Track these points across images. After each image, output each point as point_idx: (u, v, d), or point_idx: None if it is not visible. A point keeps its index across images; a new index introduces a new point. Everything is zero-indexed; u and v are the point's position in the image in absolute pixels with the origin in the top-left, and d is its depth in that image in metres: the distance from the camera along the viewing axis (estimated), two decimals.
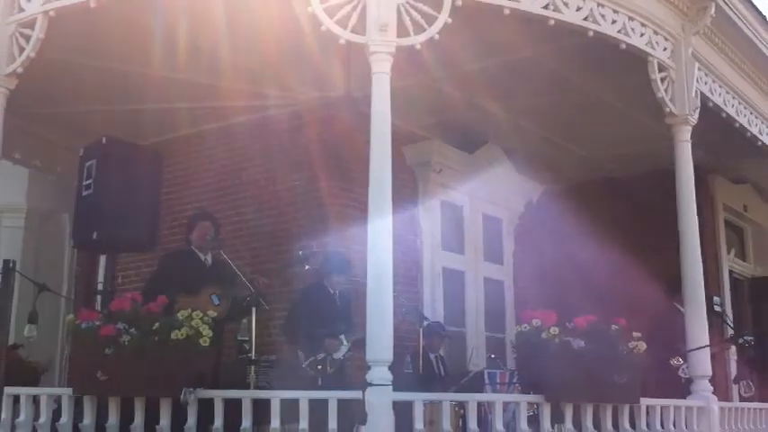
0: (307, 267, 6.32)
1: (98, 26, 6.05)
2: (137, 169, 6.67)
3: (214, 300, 5.89)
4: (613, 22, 6.03)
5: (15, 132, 6.83)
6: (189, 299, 5.67)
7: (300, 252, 6.48)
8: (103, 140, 6.64)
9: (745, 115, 7.73)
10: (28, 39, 5.81)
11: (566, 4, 5.72)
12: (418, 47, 5.20)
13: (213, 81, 7.18)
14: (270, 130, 8.05)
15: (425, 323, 6.80)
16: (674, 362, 6.28)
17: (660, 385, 6.60)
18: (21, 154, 8.59)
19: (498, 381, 6.94)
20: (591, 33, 5.90)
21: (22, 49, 5.85)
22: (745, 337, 7.10)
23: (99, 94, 7.48)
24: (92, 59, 6.74)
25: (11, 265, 4.38)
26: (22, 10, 5.89)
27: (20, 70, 5.87)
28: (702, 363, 6.32)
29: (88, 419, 5.21)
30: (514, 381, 6.58)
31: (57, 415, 5.45)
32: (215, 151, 8.45)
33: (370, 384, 4.64)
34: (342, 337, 6.16)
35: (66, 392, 5.42)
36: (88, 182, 6.51)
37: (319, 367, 5.97)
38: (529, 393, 5.47)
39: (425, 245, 8.58)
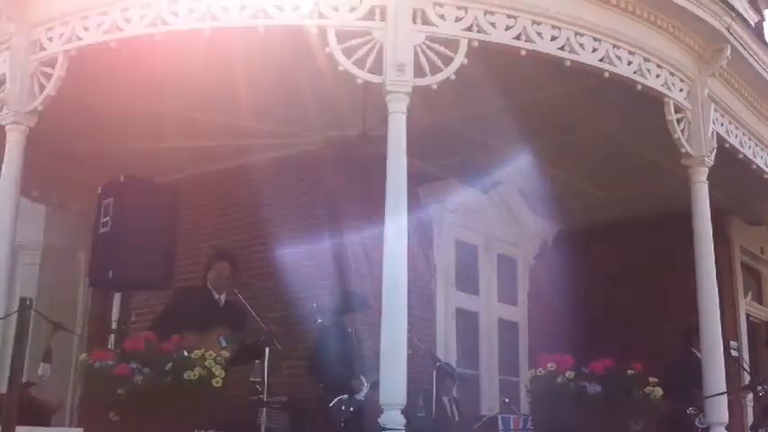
0: (319, 321, 6.31)
1: (118, 66, 6.11)
2: (154, 207, 6.67)
3: (221, 341, 5.86)
4: (629, 63, 6.04)
5: (34, 170, 6.87)
6: (196, 338, 5.62)
7: (315, 304, 6.46)
8: (121, 178, 6.66)
9: (761, 156, 7.70)
10: (49, 77, 5.88)
11: (581, 46, 5.74)
12: (434, 87, 5.23)
13: (231, 120, 7.24)
14: (285, 169, 8.09)
15: (437, 365, 6.74)
16: (690, 410, 6.17)
17: None
18: (39, 191, 8.64)
19: (512, 426, 6.85)
20: (606, 74, 5.91)
21: (42, 87, 5.92)
22: (764, 386, 6.98)
23: (117, 132, 7.54)
24: (112, 98, 6.81)
25: (27, 302, 4.37)
26: (43, 49, 5.97)
27: (40, 108, 5.93)
28: (719, 409, 6.20)
29: None
30: (529, 426, 6.49)
31: None
32: (231, 189, 8.48)
33: (383, 429, 4.59)
34: (362, 377, 6.13)
35: None
36: (105, 219, 6.52)
37: (343, 408, 5.94)
38: None
39: (439, 284, 8.54)
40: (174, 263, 7.06)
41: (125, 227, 6.47)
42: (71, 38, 5.81)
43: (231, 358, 5.97)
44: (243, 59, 6.08)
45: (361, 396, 6.08)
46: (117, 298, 8.80)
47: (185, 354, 4.94)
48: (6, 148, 5.99)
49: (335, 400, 5.91)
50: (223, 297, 6.53)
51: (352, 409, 5.94)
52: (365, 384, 6.11)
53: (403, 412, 4.70)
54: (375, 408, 4.86)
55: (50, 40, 5.94)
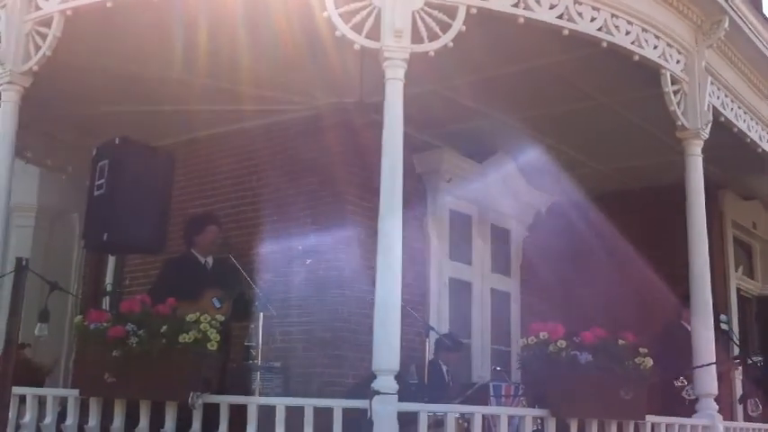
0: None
1: (114, 27, 6.07)
2: (149, 170, 6.63)
3: (215, 303, 5.88)
4: (627, 33, 6.02)
5: (28, 131, 6.84)
6: (191, 305, 5.62)
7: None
8: (117, 141, 6.61)
9: (756, 131, 7.71)
10: (44, 37, 5.84)
11: (580, 15, 5.72)
12: (432, 54, 5.20)
13: (228, 84, 7.20)
14: (281, 135, 8.08)
15: (442, 335, 6.79)
16: (677, 383, 6.23)
17: (666, 404, 6.56)
18: (32, 153, 8.59)
19: (503, 393, 6.92)
20: (605, 44, 5.90)
21: (38, 48, 5.87)
22: (754, 358, 7.05)
23: (113, 94, 7.51)
24: (107, 60, 6.76)
25: (24, 263, 4.37)
26: (39, 8, 5.92)
27: (35, 68, 5.90)
28: (709, 381, 6.27)
29: (94, 421, 5.21)
30: (519, 394, 6.55)
31: (61, 416, 5.45)
32: (228, 154, 8.46)
33: (377, 393, 4.63)
34: None
35: (72, 394, 5.43)
36: (100, 182, 6.48)
37: None
38: (534, 407, 5.43)
39: (433, 254, 8.56)
40: (168, 227, 7.06)
41: (120, 189, 6.44)
42: None
43: (231, 315, 6.01)
44: (240, 23, 6.04)
45: None
46: (111, 261, 8.82)
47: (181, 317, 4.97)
48: (0, 109, 5.96)
49: None
50: (210, 260, 6.52)
51: None
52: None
53: (396, 378, 4.74)
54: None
55: None
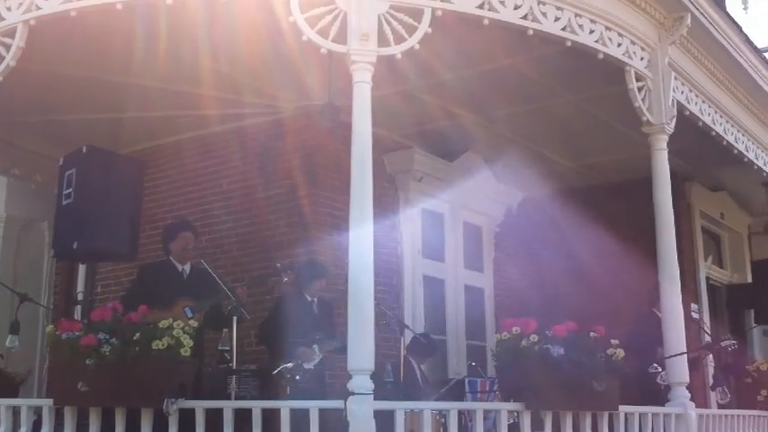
0: (285, 280, 6.32)
1: (78, 35, 6.03)
2: (117, 178, 6.62)
3: (187, 312, 5.87)
4: (591, 32, 6.08)
5: None
6: (162, 312, 5.60)
7: (278, 264, 6.47)
8: (84, 149, 6.59)
9: (721, 124, 7.82)
10: (8, 48, 5.76)
11: (544, 15, 5.76)
12: (399, 56, 5.22)
13: (194, 89, 7.18)
14: (250, 139, 8.08)
15: (416, 336, 6.81)
16: (651, 369, 6.32)
17: (642, 392, 6.66)
18: (0, 162, 8.55)
19: (479, 389, 6.97)
20: (569, 43, 5.96)
21: (2, 59, 5.79)
22: (726, 342, 7.15)
23: (79, 102, 7.47)
24: (72, 68, 6.72)
25: None
26: (2, 19, 5.83)
27: (0, 79, 5.84)
28: (680, 370, 6.37)
29: (69, 430, 5.18)
30: (495, 389, 6.61)
31: (36, 426, 5.42)
32: (195, 160, 8.44)
33: (352, 393, 4.65)
34: (315, 347, 6.14)
35: (46, 403, 5.39)
36: (68, 191, 6.46)
37: (288, 376, 5.92)
38: (509, 401, 5.49)
39: (406, 252, 8.61)
40: (138, 234, 7.04)
41: (88, 198, 6.43)
42: (30, 7, 5.68)
43: (206, 323, 6.01)
44: (206, 28, 6.03)
45: (310, 365, 6.09)
46: (82, 269, 8.77)
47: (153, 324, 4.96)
48: None
49: (280, 367, 5.88)
50: (187, 268, 6.55)
51: (298, 377, 5.92)
52: (317, 354, 6.13)
53: (371, 378, 4.77)
54: (340, 374, 4.92)
55: (9, 9, 5.80)
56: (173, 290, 6.20)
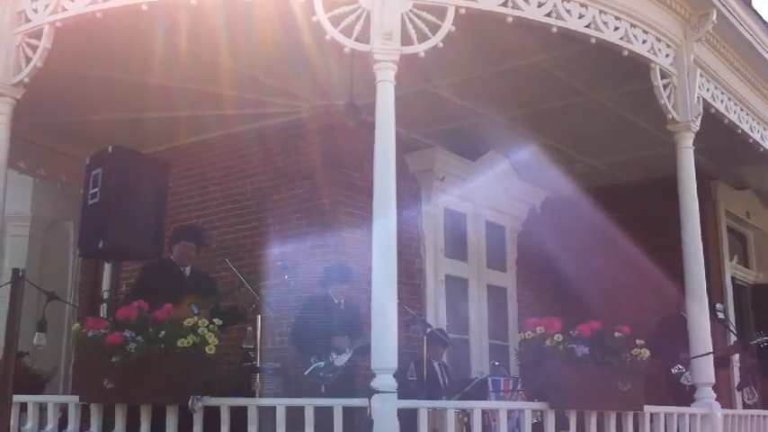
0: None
1: (104, 36, 6.08)
2: (143, 178, 6.68)
3: (193, 309, 5.92)
4: (616, 29, 6.05)
5: (21, 141, 6.87)
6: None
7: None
8: (110, 149, 6.64)
9: (747, 122, 7.74)
10: (35, 49, 5.85)
11: (568, 12, 5.74)
12: (422, 55, 5.22)
13: (217, 90, 7.23)
14: (271, 138, 8.10)
15: (428, 331, 6.81)
16: (674, 370, 6.27)
17: (669, 392, 6.61)
18: (26, 163, 8.64)
19: (502, 388, 6.94)
20: (593, 41, 5.92)
21: (28, 59, 5.88)
22: (758, 339, 7.05)
23: (104, 103, 7.53)
24: (97, 69, 6.79)
25: (20, 273, 4.39)
26: (29, 20, 5.93)
27: (26, 80, 5.91)
28: (706, 370, 6.32)
29: (94, 427, 5.23)
30: (518, 388, 6.58)
31: (62, 423, 5.48)
32: (218, 160, 8.49)
33: (376, 391, 4.66)
34: (346, 337, 6.21)
35: (72, 400, 5.45)
36: (94, 190, 6.51)
37: (321, 375, 6.00)
38: (533, 401, 5.47)
39: (428, 252, 8.60)
40: (163, 233, 7.09)
41: (114, 197, 6.47)
42: (56, 9, 5.77)
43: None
44: (228, 29, 6.06)
45: (341, 362, 6.15)
46: (107, 268, 8.83)
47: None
48: None
49: (312, 367, 5.98)
50: (188, 269, 6.72)
51: (330, 375, 6.01)
52: (347, 351, 6.19)
53: (395, 376, 4.77)
54: (367, 373, 4.93)
55: (35, 11, 5.90)
56: (176, 288, 6.33)
